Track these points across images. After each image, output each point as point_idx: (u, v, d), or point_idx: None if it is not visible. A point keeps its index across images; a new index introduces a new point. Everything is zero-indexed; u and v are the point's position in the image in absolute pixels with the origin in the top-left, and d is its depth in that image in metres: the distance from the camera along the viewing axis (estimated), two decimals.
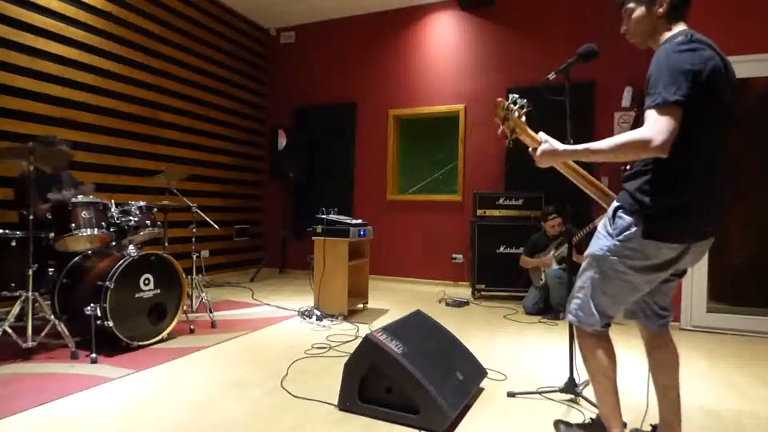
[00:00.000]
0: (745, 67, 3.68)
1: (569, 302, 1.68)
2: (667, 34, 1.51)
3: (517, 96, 1.76)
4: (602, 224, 1.59)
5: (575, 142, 1.66)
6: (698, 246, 1.50)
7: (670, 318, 1.71)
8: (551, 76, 2.29)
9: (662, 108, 1.32)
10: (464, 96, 5.65)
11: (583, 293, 1.61)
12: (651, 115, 1.34)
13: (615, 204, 1.56)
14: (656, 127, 1.31)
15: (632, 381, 2.52)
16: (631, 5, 1.59)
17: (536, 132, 1.73)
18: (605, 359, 1.60)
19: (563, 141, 2.13)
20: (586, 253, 1.63)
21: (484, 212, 4.89)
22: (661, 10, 1.52)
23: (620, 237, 1.49)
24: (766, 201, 3.75)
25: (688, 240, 1.45)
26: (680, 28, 1.51)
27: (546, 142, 1.62)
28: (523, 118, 1.76)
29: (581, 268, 1.65)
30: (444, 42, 5.79)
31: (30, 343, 2.64)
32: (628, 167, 1.56)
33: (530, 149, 1.68)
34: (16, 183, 3.34)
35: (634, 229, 1.46)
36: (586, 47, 2.16)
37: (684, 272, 1.65)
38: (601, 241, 1.56)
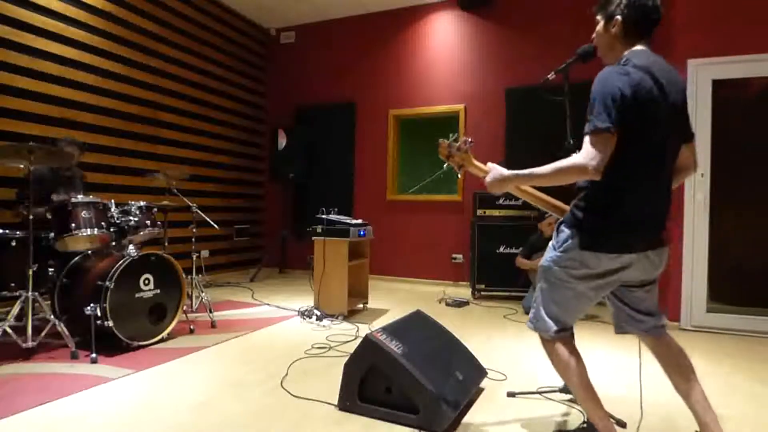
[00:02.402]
0: (744, 67, 3.69)
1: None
2: (621, 55, 1.59)
3: (456, 134, 1.96)
4: (552, 239, 1.70)
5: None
6: (641, 258, 1.54)
7: (655, 322, 1.69)
8: (551, 76, 2.29)
9: (594, 135, 1.44)
10: (464, 96, 5.65)
11: (536, 302, 1.73)
12: (585, 142, 1.46)
13: (560, 220, 1.68)
14: (590, 153, 1.43)
15: (634, 383, 2.53)
16: (597, 17, 1.69)
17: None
18: (569, 359, 1.65)
19: (563, 141, 2.15)
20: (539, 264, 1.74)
21: (484, 212, 4.89)
22: (614, 29, 1.62)
23: (561, 248, 1.61)
24: (765, 200, 3.74)
25: (623, 251, 1.52)
26: (635, 49, 1.58)
27: (492, 170, 1.75)
28: (469, 152, 1.93)
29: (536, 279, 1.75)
30: (444, 42, 5.79)
31: (30, 343, 2.64)
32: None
33: (483, 179, 1.81)
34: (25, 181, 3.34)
35: (571, 241, 1.58)
36: (585, 47, 2.16)
37: (649, 283, 1.66)
38: (548, 254, 1.68)
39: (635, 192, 1.52)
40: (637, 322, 1.71)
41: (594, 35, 1.72)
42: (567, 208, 1.81)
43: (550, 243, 1.69)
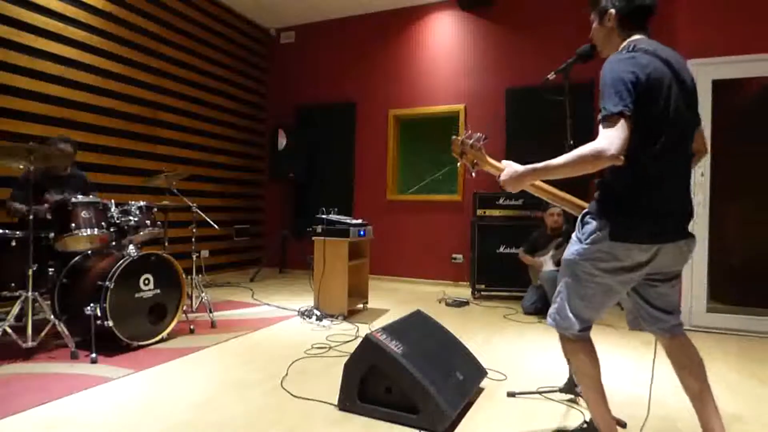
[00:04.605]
0: (744, 67, 3.69)
1: (551, 306, 1.72)
2: (621, 45, 1.58)
3: (470, 131, 1.88)
4: (575, 232, 1.64)
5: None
6: (672, 248, 1.50)
7: (672, 322, 1.66)
8: (551, 76, 2.29)
9: (608, 120, 1.39)
10: (464, 96, 5.65)
11: (560, 297, 1.67)
12: (601, 129, 1.41)
13: (584, 211, 1.62)
14: (606, 138, 1.38)
15: (639, 385, 2.53)
16: (592, 16, 1.70)
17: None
18: (587, 360, 1.63)
19: (563, 141, 2.15)
20: (561, 258, 1.67)
21: (484, 212, 4.89)
22: (609, 23, 1.63)
23: (588, 240, 1.55)
24: (764, 201, 3.75)
25: (654, 241, 1.48)
26: (635, 37, 1.57)
27: (507, 167, 1.68)
28: (483, 150, 1.86)
29: (558, 274, 1.69)
30: (444, 42, 5.79)
31: (30, 343, 2.64)
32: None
33: (496, 177, 1.74)
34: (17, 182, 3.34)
35: (600, 232, 1.51)
36: (585, 48, 2.16)
37: (674, 276, 1.63)
38: (572, 247, 1.61)
39: (661, 179, 1.48)
40: (657, 321, 1.65)
41: (591, 34, 1.72)
42: (585, 204, 1.76)
43: (574, 235, 1.62)
